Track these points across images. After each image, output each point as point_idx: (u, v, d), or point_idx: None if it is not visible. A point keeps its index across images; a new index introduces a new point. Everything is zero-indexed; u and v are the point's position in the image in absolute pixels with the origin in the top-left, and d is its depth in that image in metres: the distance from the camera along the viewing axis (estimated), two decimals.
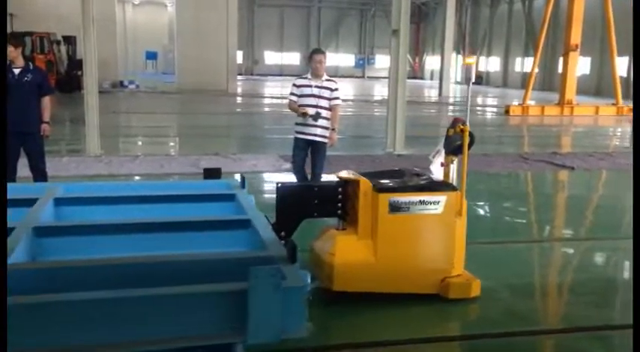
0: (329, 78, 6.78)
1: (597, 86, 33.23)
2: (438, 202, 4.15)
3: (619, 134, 15.96)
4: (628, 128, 13.80)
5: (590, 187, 9.44)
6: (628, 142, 13.03)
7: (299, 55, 55.92)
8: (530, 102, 22.06)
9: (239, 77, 34.29)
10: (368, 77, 54.70)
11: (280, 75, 52.77)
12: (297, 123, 6.70)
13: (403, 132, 11.27)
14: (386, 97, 12.39)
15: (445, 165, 4.55)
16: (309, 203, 4.29)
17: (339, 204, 4.33)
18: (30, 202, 3.78)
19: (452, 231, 4.23)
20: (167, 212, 3.99)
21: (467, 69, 5.16)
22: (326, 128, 6.52)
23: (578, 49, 21.24)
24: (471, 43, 49.84)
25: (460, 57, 49.43)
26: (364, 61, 56.68)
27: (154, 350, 2.58)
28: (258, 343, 2.67)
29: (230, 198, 4.23)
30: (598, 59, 33.42)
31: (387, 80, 11.22)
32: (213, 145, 11.71)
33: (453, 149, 4.45)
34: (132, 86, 30.02)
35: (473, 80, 5.31)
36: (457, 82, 46.02)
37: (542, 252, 5.94)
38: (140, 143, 13.21)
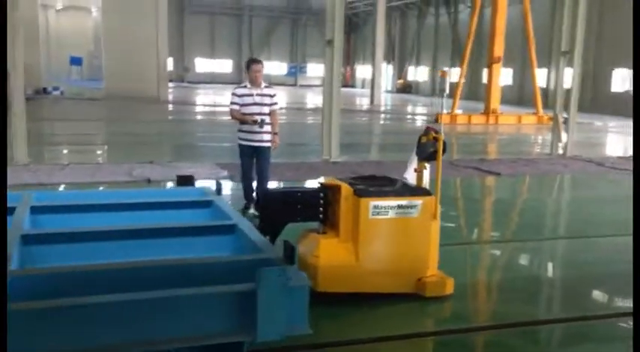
0: (267, 85, 6.98)
1: (519, 96, 34.86)
2: (415, 206, 4.37)
3: (540, 141, 16.83)
4: (548, 136, 14.60)
5: (515, 192, 9.92)
6: (548, 149, 13.77)
7: (231, 62, 55.60)
8: (457, 111, 22.87)
9: (170, 84, 33.70)
10: (300, 85, 55.02)
11: (212, 82, 52.24)
12: (241, 131, 6.86)
13: (338, 139, 11.45)
14: (319, 105, 12.58)
15: (418, 171, 4.74)
16: (293, 208, 4.42)
17: (321, 209, 4.47)
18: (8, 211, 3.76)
19: (427, 234, 4.45)
20: (145, 219, 4.03)
21: (441, 80, 5.40)
22: (269, 133, 6.80)
23: (501, 61, 22.24)
24: (400, 53, 51.15)
25: (390, 67, 50.64)
26: (296, 70, 56.99)
27: (166, 349, 2.73)
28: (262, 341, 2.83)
29: (207, 204, 4.37)
30: (519, 70, 35.07)
31: (319, 88, 11.33)
32: (146, 153, 11.50)
33: (426, 156, 4.66)
34: (56, 92, 28.94)
35: (447, 92, 5.54)
36: (387, 91, 47.03)
37: (473, 253, 6.22)
38: (69, 151, 12.79)
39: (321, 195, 4.48)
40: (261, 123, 6.66)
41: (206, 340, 2.81)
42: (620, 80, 30.60)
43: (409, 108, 31.81)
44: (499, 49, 21.94)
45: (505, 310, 4.51)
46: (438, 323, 4.36)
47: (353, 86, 56.45)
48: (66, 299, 2.65)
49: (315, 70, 55.29)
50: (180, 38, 51.89)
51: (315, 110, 25.22)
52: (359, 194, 4.29)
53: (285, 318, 2.90)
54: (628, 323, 4.19)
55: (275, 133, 6.85)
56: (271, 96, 6.86)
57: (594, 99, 30.80)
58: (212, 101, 32.24)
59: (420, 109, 31.34)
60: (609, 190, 9.88)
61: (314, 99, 34.01)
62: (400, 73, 51.05)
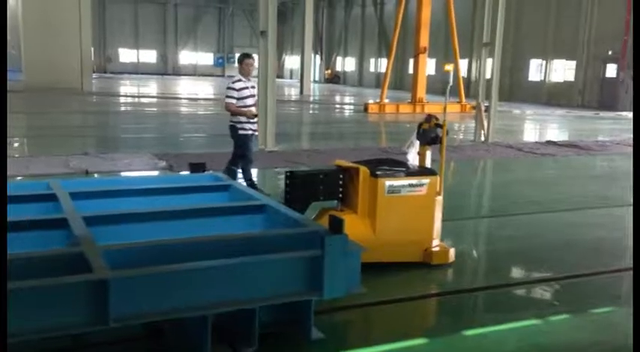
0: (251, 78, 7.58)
1: (444, 86, 36.09)
2: (423, 185, 4.93)
3: (464, 129, 17.66)
4: (471, 124, 15.39)
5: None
6: (472, 136, 14.53)
7: (155, 52, 54.33)
8: (386, 100, 23.53)
9: (93, 75, 32.68)
10: (228, 76, 54.50)
11: (136, 73, 50.95)
12: (242, 122, 7.25)
13: (274, 129, 11.66)
14: None
15: (421, 154, 5.26)
16: (316, 188, 4.91)
17: (340, 189, 4.96)
18: (44, 197, 4.18)
19: (433, 209, 5.00)
20: (174, 203, 4.37)
21: (446, 74, 5.88)
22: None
23: (427, 52, 23.03)
24: (327, 44, 51.65)
25: (318, 57, 51.05)
26: (224, 60, 56.42)
27: (249, 308, 3.20)
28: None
29: (225, 188, 4.82)
30: (443, 61, 36.31)
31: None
32: (78, 145, 11.30)
33: (429, 140, 5.20)
34: None
35: (450, 84, 6.08)
36: (315, 81, 47.45)
37: None
38: None
39: (340, 176, 4.95)
40: (257, 115, 7.33)
41: (281, 299, 3.27)
42: (536, 70, 32.32)
43: (337, 98, 32.33)
44: (424, 40, 22.70)
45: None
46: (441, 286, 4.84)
47: (281, 77, 56.53)
48: (171, 265, 3.06)
49: None
50: (103, 28, 50.24)
51: None
52: (376, 175, 4.79)
53: (345, 279, 3.37)
54: (543, 289, 4.73)
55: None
56: (255, 87, 7.53)
57: (513, 88, 32.41)
58: (137, 92, 31.55)
59: (348, 99, 31.93)
60: (526, 173, 10.62)
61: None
62: (328, 63, 51.61)
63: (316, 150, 11.57)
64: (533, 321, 4.02)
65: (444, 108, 5.64)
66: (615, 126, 19.79)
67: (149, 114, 20.33)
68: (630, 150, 13.58)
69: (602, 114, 24.60)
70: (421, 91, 23.19)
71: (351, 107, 26.41)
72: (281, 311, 3.46)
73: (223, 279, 3.12)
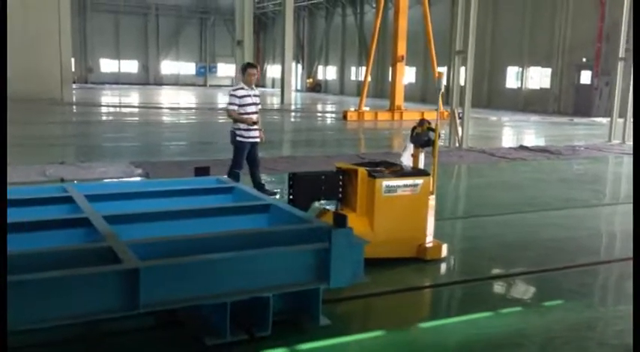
0: (255, 87, 7.77)
1: (423, 94, 36.58)
2: (417, 185, 5.24)
3: (441, 135, 17.95)
4: (444, 130, 15.68)
5: None
6: (448, 142, 14.82)
7: (137, 62, 54.27)
8: (365, 108, 23.81)
9: (73, 85, 32.62)
10: (210, 85, 54.64)
11: (117, 83, 50.84)
12: (241, 129, 7.51)
13: None
14: None
15: (415, 156, 5.59)
16: (318, 188, 5.24)
17: (340, 189, 5.29)
18: (61, 200, 4.53)
19: (426, 207, 5.33)
20: (182, 204, 4.70)
21: (438, 80, 6.16)
22: (259, 130, 7.70)
23: (404, 60, 23.38)
24: (309, 53, 51.99)
25: (300, 66, 51.34)
26: (206, 70, 56.51)
27: (263, 296, 3.49)
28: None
29: (230, 190, 5.20)
30: (422, 69, 36.79)
31: (229, 88, 11.73)
32: (56, 154, 11.38)
33: (423, 143, 5.54)
34: None
35: (442, 90, 6.38)
36: (297, 90, 47.70)
37: None
38: None
39: (340, 177, 5.27)
40: (256, 122, 7.53)
41: (293, 288, 3.63)
42: (513, 77, 32.87)
43: (319, 107, 32.60)
44: (402, 49, 23.05)
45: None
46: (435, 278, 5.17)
47: (263, 86, 56.69)
48: (193, 256, 3.39)
49: (225, 69, 55.08)
50: (84, 38, 50.08)
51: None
52: (373, 176, 5.09)
53: (351, 269, 3.71)
54: (499, 284, 4.97)
55: (260, 129, 7.73)
56: (258, 96, 7.69)
57: (491, 95, 32.94)
58: (118, 102, 31.55)
59: (329, 107, 32.19)
60: (498, 177, 10.90)
61: (224, 99, 34.06)
62: (309, 72, 51.92)
63: (293, 157, 11.76)
64: (486, 314, 4.25)
65: (437, 114, 5.90)
66: (588, 131, 20.24)
67: (129, 124, 20.40)
68: (599, 154, 13.95)
69: (576, 120, 25.10)
70: (399, 99, 23.51)
71: (332, 115, 26.66)
72: (291, 300, 3.77)
73: (240, 270, 3.45)
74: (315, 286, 3.67)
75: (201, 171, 5.59)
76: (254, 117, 7.52)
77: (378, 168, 5.31)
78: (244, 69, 7.59)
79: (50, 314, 3.00)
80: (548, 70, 30.30)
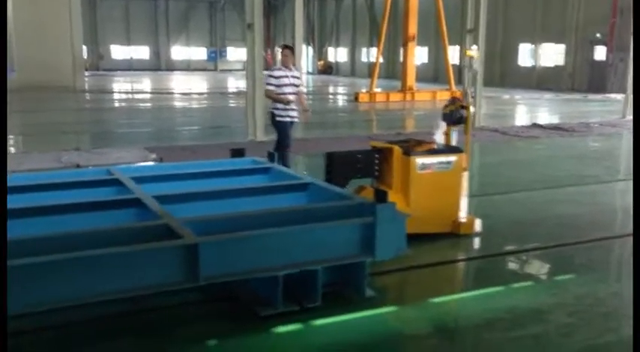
0: (295, 68, 7.96)
1: (435, 73, 36.29)
2: (450, 162, 5.38)
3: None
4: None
5: None
6: None
7: (148, 48, 54.34)
8: (376, 89, 23.72)
9: (85, 73, 32.81)
10: (221, 70, 54.59)
11: (129, 69, 51.00)
12: (279, 109, 7.65)
13: (263, 120, 11.87)
14: (241, 89, 12.88)
15: (447, 134, 5.66)
16: (354, 166, 5.41)
17: (376, 167, 5.43)
18: (109, 182, 4.75)
19: (459, 183, 5.44)
20: (225, 184, 4.91)
21: (469, 60, 6.36)
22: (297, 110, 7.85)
23: (415, 40, 23.21)
24: (319, 35, 51.71)
25: (310, 48, 51.11)
26: (216, 54, 56.43)
27: (312, 269, 3.67)
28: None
29: (267, 170, 5.38)
30: (434, 49, 36.47)
31: (240, 73, 11.75)
32: (71, 141, 11.52)
33: (455, 120, 5.61)
34: None
35: (475, 69, 6.51)
36: (309, 73, 47.58)
37: None
38: None
39: (376, 156, 5.40)
40: (292, 102, 7.69)
41: (340, 261, 3.78)
42: (526, 55, 32.51)
43: (330, 89, 32.52)
44: (413, 28, 22.88)
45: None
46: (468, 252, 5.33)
47: None
48: (248, 232, 3.58)
49: (235, 54, 54.98)
50: (94, 25, 50.21)
51: (237, 94, 25.41)
52: (408, 153, 5.24)
53: (393, 243, 3.87)
54: (510, 260, 5.00)
55: (305, 110, 7.97)
56: (298, 78, 7.84)
57: (503, 73, 32.61)
58: (130, 88, 31.70)
59: (340, 89, 32.10)
60: (510, 155, 10.88)
61: (236, 83, 34.08)
62: (320, 54, 51.69)
63: (304, 139, 11.80)
64: (499, 288, 4.33)
65: (464, 92, 5.91)
66: (602, 108, 20.03)
67: (142, 110, 20.54)
68: (613, 131, 13.84)
69: (590, 96, 24.84)
70: (411, 79, 23.38)
71: (343, 97, 26.61)
72: (338, 273, 3.92)
73: (291, 244, 3.62)
74: (362, 259, 3.82)
75: (237, 152, 5.77)
76: (290, 97, 7.66)
77: (414, 146, 5.44)
78: (281, 51, 7.92)
79: (119, 286, 3.21)
80: (562, 47, 29.92)
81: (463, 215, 5.50)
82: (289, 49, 7.88)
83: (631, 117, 16.01)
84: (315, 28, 51.80)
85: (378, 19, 37.14)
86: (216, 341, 3.53)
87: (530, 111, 20.32)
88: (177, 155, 9.72)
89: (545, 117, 17.86)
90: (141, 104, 22.84)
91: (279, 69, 7.76)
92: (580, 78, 29.12)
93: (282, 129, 7.76)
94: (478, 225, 5.53)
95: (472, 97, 14.45)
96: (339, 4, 48.38)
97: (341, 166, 5.35)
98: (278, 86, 7.62)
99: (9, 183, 4.21)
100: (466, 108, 5.60)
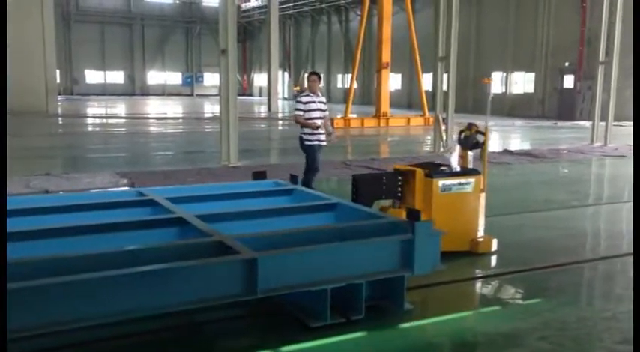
0: (320, 94, 8.29)
1: (409, 100, 36.80)
2: (469, 183, 5.65)
3: (425, 141, 18.11)
4: (429, 136, 15.85)
5: None
6: (431, 147, 14.94)
7: (123, 73, 54.12)
8: (351, 115, 23.92)
9: (59, 97, 32.51)
10: (197, 95, 54.57)
11: (104, 94, 50.68)
12: (307, 133, 7.99)
13: (236, 145, 11.87)
14: (217, 114, 12.89)
15: (463, 157, 5.92)
16: (380, 188, 5.69)
17: (399, 188, 5.70)
18: (145, 203, 4.97)
19: (478, 204, 5.72)
20: (251, 205, 5.11)
21: (487, 86, 6.67)
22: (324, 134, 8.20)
23: (389, 67, 23.56)
24: (295, 61, 52.13)
25: (286, 74, 51.45)
26: (192, 79, 56.46)
27: (357, 282, 3.89)
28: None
29: (290, 192, 5.61)
30: (408, 75, 37.02)
31: (217, 98, 11.80)
32: (41, 166, 11.35)
33: (471, 145, 5.91)
34: None
35: (491, 95, 6.73)
36: (285, 98, 47.82)
37: None
38: None
39: (399, 178, 5.67)
40: (320, 127, 8.02)
41: (382, 275, 4.02)
42: (498, 83, 33.16)
43: None
44: (386, 56, 23.23)
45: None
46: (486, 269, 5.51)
47: (251, 95, 56.79)
48: (298, 247, 3.83)
49: (211, 79, 55.05)
50: (68, 49, 49.89)
51: (212, 119, 25.39)
52: (430, 175, 5.52)
53: (432, 257, 4.11)
54: (482, 284, 5.02)
55: (329, 133, 8.27)
56: (324, 103, 8.17)
57: (476, 101, 33.17)
58: (104, 113, 31.46)
59: None
60: None
61: (212, 108, 34.07)
62: (296, 80, 52.05)
63: (277, 165, 11.81)
64: (466, 313, 4.39)
65: (486, 120, 6.25)
66: (571, 134, 20.47)
67: (115, 135, 20.38)
68: (582, 157, 14.12)
69: (560, 123, 25.38)
70: (385, 106, 23.66)
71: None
72: (378, 287, 4.13)
73: (337, 259, 3.85)
74: (401, 274, 4.06)
75: (259, 174, 6.05)
76: (318, 122, 7.92)
77: (434, 169, 5.72)
78: (307, 77, 8.27)
79: (184, 298, 3.43)
80: (532, 75, 30.63)
81: (481, 234, 5.77)
82: (316, 75, 8.21)
83: (599, 144, 16.39)
84: (291, 54, 52.24)
85: (353, 46, 37.67)
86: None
87: (502, 137, 20.65)
88: (150, 180, 9.62)
89: (516, 143, 18.17)
90: (114, 129, 22.66)
91: (307, 95, 8.04)
92: (550, 105, 29.77)
93: (310, 152, 8.04)
94: (495, 244, 5.78)
95: (443, 123, 14.66)
96: (315, 30, 48.96)
97: (367, 187, 5.64)
98: (306, 111, 7.91)
99: (48, 203, 4.82)
100: (484, 133, 5.87)
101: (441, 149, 14.42)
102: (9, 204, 4.19)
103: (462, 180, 5.63)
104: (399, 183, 5.74)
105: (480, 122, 6.60)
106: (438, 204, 5.48)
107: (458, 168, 5.76)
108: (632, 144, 16.12)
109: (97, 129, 23.15)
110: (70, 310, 3.14)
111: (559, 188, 10.08)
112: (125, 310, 3.30)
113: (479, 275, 5.31)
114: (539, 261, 5.65)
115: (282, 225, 4.55)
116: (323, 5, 46.04)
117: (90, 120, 26.66)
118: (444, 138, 14.46)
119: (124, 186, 9.17)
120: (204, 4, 55.93)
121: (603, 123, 16.61)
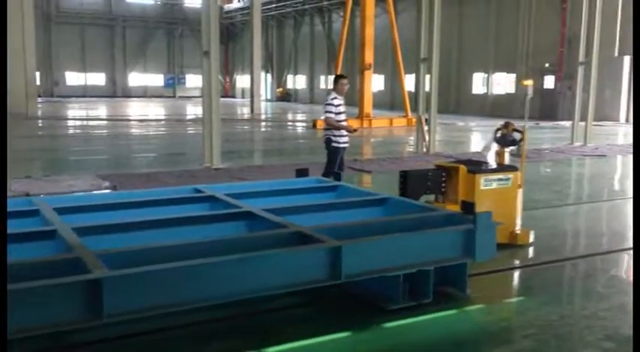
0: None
1: (391, 101, 36.92)
2: (509, 179, 5.97)
3: (407, 141, 18.18)
4: (412, 137, 15.92)
5: (382, 186, 10.80)
6: (413, 148, 15.00)
7: (104, 75, 53.65)
8: None
9: (39, 99, 32.12)
10: (179, 97, 54.26)
11: (84, 96, 50.20)
12: (336, 135, 8.08)
13: (219, 147, 11.82)
14: (199, 116, 12.81)
15: (500, 155, 6.25)
16: (425, 183, 5.97)
17: (443, 184, 5.98)
18: (205, 199, 5.32)
19: (516, 199, 6.04)
20: (299, 201, 5.40)
21: (527, 88, 6.97)
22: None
23: (372, 68, 23.61)
24: (278, 62, 52.08)
25: (269, 76, 51.37)
26: (174, 81, 56.14)
27: (426, 269, 4.20)
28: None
29: (334, 188, 5.97)
30: (390, 76, 37.16)
31: (199, 99, 11.74)
32: (21, 169, 11.19)
33: (508, 143, 6.21)
34: None
35: (530, 96, 6.92)
36: (267, 100, 47.75)
37: None
38: None
39: (443, 174, 5.95)
40: (356, 130, 8.16)
41: (448, 262, 4.32)
42: (480, 84, 33.45)
43: (289, 116, 32.67)
44: (369, 57, 23.28)
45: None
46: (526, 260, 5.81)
47: (233, 96, 56.60)
48: (379, 236, 4.13)
49: (194, 80, 54.79)
50: (48, 51, 49.33)
51: (195, 121, 25.26)
52: (473, 171, 5.78)
53: (489, 247, 4.41)
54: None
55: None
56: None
57: (458, 101, 33.43)
58: (85, 115, 31.16)
59: (299, 116, 32.28)
60: None
61: (194, 110, 33.90)
62: (279, 81, 52.00)
63: (260, 167, 11.78)
64: (450, 312, 4.39)
65: (525, 117, 6.32)
66: (552, 134, 20.67)
67: (96, 137, 20.18)
68: (562, 156, 14.28)
69: (542, 123, 25.62)
70: (368, 107, 23.71)
71: (302, 124, 26.73)
72: (442, 274, 4.37)
73: (408, 247, 4.14)
74: (464, 261, 4.37)
75: (302, 172, 6.31)
76: (346, 124, 8.14)
77: (476, 165, 6.02)
78: (336, 80, 8.26)
79: (281, 282, 3.71)
80: (513, 76, 30.91)
81: (519, 227, 6.06)
82: (345, 78, 8.39)
83: (579, 143, 16.58)
84: (274, 55, 52.17)
85: (336, 48, 37.78)
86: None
87: (484, 137, 20.79)
88: (131, 182, 9.54)
89: None
90: (96, 131, 22.45)
91: (336, 98, 8.07)
92: (531, 105, 30.05)
93: (336, 153, 8.12)
94: (532, 236, 6.08)
95: (426, 124, 14.72)
96: (297, 31, 48.94)
97: (414, 183, 5.88)
98: (337, 114, 7.98)
99: (106, 200, 5.15)
100: (522, 132, 6.12)
101: (423, 149, 14.49)
102: (77, 201, 4.82)
103: (502, 176, 5.92)
104: (443, 179, 5.99)
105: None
106: (481, 199, 5.64)
107: (494, 165, 6.06)
108: (631, 143, 16.38)
109: (78, 131, 22.92)
110: (182, 293, 3.41)
111: (542, 188, 10.18)
112: (227, 294, 3.55)
113: (521, 265, 5.66)
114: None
115: (339, 218, 4.84)
116: (306, 7, 46.06)
117: (71, 123, 26.39)
118: (427, 138, 14.52)
119: (106, 188, 9.07)
120: (186, 5, 55.67)
121: (583, 123, 16.80)
